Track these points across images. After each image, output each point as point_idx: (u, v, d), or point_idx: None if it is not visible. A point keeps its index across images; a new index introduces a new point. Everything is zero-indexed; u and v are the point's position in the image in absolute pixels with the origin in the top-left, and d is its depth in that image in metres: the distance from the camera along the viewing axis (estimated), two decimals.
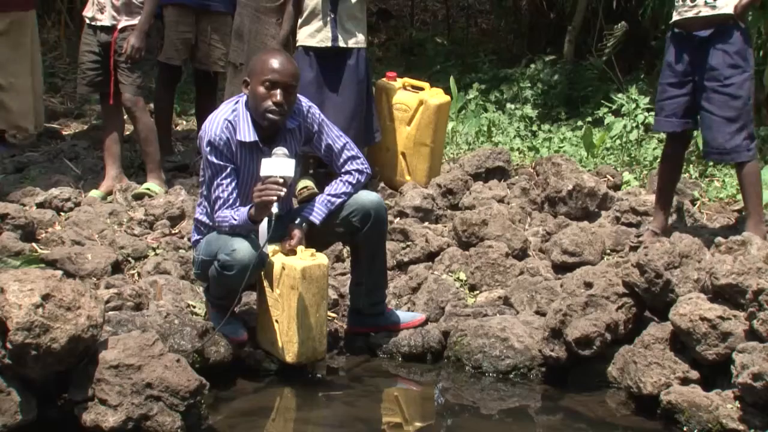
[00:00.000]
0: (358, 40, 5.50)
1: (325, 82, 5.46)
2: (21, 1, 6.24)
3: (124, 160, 5.94)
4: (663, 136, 6.87)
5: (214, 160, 3.76)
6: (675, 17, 4.55)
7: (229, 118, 3.79)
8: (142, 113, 5.65)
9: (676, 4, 4.54)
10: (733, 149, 4.45)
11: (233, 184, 3.78)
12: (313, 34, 5.45)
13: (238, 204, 3.77)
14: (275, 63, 3.75)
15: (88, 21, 5.60)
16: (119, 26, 5.49)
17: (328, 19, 5.41)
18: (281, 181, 3.63)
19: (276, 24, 5.81)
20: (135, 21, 5.50)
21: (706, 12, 4.41)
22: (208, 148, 3.76)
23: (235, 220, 3.72)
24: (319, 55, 5.46)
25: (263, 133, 3.81)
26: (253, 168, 3.77)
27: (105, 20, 5.50)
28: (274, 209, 3.63)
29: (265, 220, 3.71)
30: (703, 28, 4.45)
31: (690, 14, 4.46)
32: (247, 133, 3.78)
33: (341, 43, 5.45)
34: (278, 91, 3.71)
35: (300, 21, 5.50)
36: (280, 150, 3.73)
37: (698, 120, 4.58)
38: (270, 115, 3.74)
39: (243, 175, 3.81)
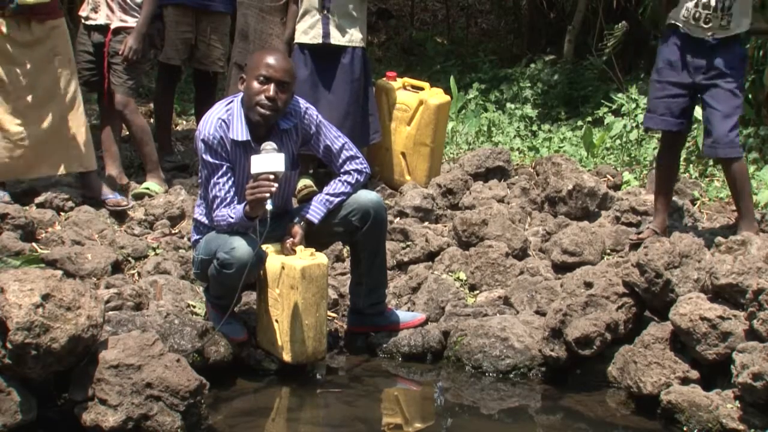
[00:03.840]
0: (353, 39, 5.49)
1: (320, 80, 5.46)
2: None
3: (124, 160, 5.93)
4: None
5: (210, 159, 3.77)
6: (681, 23, 4.56)
7: (223, 117, 3.79)
8: (134, 115, 5.64)
9: (683, 18, 4.56)
10: (728, 143, 4.53)
11: (230, 182, 3.78)
12: (307, 31, 5.46)
13: (235, 202, 3.78)
14: (270, 59, 3.77)
15: (83, 20, 5.60)
16: (113, 26, 5.48)
17: (320, 15, 5.41)
18: (272, 177, 3.63)
19: (280, 23, 5.81)
20: (130, 21, 5.50)
21: (720, 35, 4.51)
22: (203, 147, 3.76)
23: (232, 218, 3.72)
24: (313, 52, 5.46)
25: (256, 132, 3.81)
26: (247, 167, 3.77)
27: (99, 19, 5.48)
28: (268, 206, 3.62)
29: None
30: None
31: (704, 36, 4.50)
32: (240, 132, 3.79)
33: (333, 41, 5.44)
34: (271, 86, 3.72)
35: (298, 17, 5.51)
36: (269, 145, 3.72)
37: (694, 119, 4.64)
38: (260, 109, 3.74)
39: (238, 174, 3.82)
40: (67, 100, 5.19)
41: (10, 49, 4.97)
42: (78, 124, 5.25)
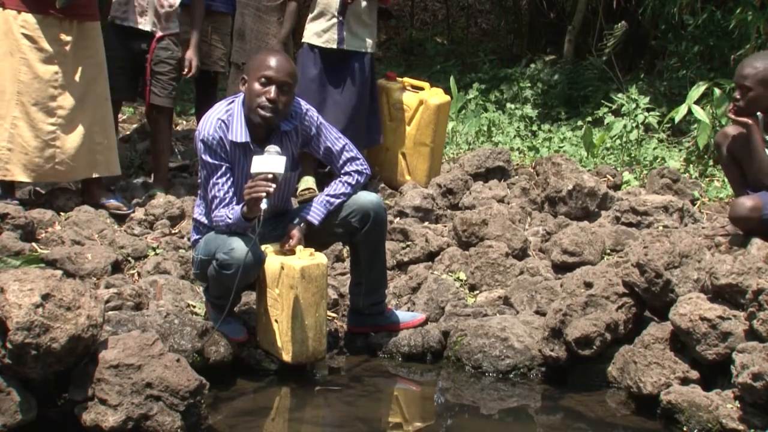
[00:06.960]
0: (365, 45, 5.53)
1: (328, 81, 5.49)
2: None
3: (124, 160, 5.93)
4: (663, 135, 6.90)
5: (209, 159, 3.77)
6: None
7: (223, 118, 3.79)
8: (169, 124, 5.72)
9: None
10: None
11: (229, 182, 3.78)
12: (320, 34, 5.48)
13: (234, 203, 3.78)
14: (272, 61, 3.77)
15: (118, 22, 5.48)
16: (158, 34, 5.48)
17: (336, 21, 5.43)
18: (270, 176, 3.63)
19: (277, 23, 5.82)
20: (173, 27, 5.52)
21: None
22: (202, 147, 3.76)
23: (230, 218, 3.73)
24: (323, 54, 5.49)
25: (256, 134, 3.81)
26: (245, 168, 3.77)
27: (146, 25, 5.45)
28: (263, 205, 3.62)
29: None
30: None
31: None
32: (239, 133, 3.78)
33: (346, 46, 5.48)
34: (272, 88, 3.72)
35: (309, 16, 5.52)
36: (272, 147, 3.73)
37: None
38: (262, 111, 3.73)
39: (237, 175, 3.81)
40: (98, 103, 5.17)
41: (50, 48, 4.94)
42: (109, 127, 5.24)
